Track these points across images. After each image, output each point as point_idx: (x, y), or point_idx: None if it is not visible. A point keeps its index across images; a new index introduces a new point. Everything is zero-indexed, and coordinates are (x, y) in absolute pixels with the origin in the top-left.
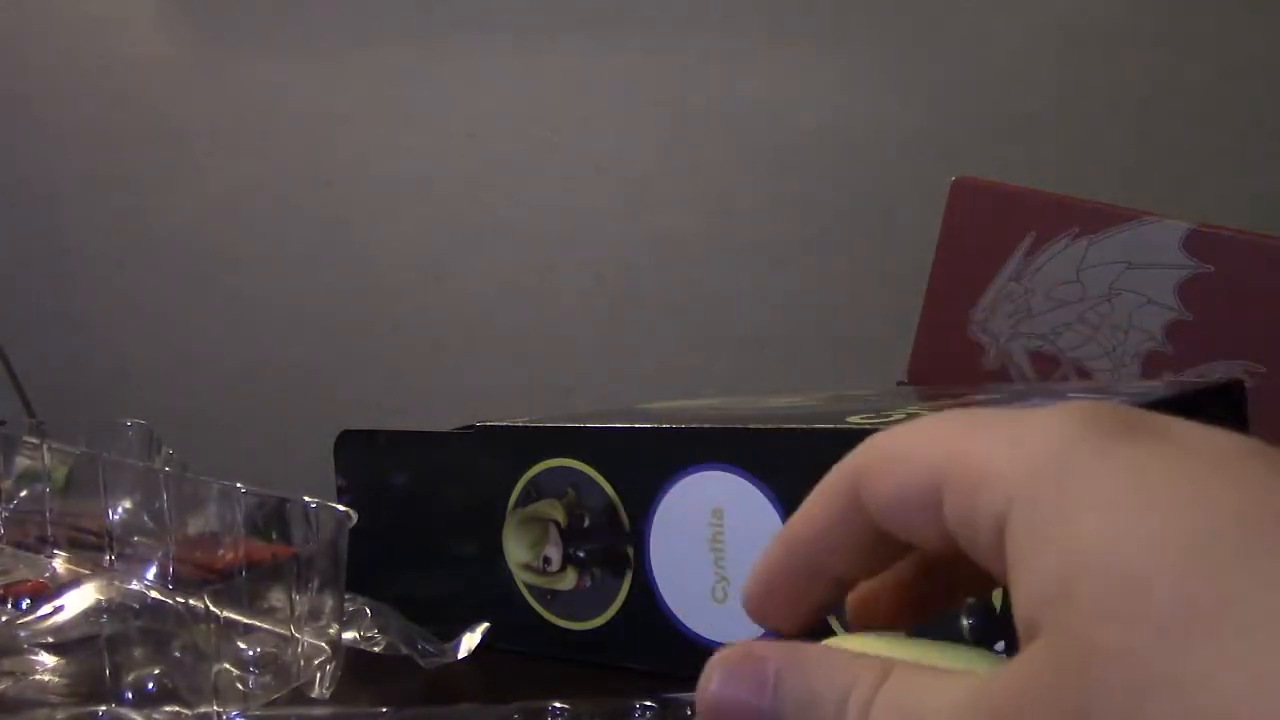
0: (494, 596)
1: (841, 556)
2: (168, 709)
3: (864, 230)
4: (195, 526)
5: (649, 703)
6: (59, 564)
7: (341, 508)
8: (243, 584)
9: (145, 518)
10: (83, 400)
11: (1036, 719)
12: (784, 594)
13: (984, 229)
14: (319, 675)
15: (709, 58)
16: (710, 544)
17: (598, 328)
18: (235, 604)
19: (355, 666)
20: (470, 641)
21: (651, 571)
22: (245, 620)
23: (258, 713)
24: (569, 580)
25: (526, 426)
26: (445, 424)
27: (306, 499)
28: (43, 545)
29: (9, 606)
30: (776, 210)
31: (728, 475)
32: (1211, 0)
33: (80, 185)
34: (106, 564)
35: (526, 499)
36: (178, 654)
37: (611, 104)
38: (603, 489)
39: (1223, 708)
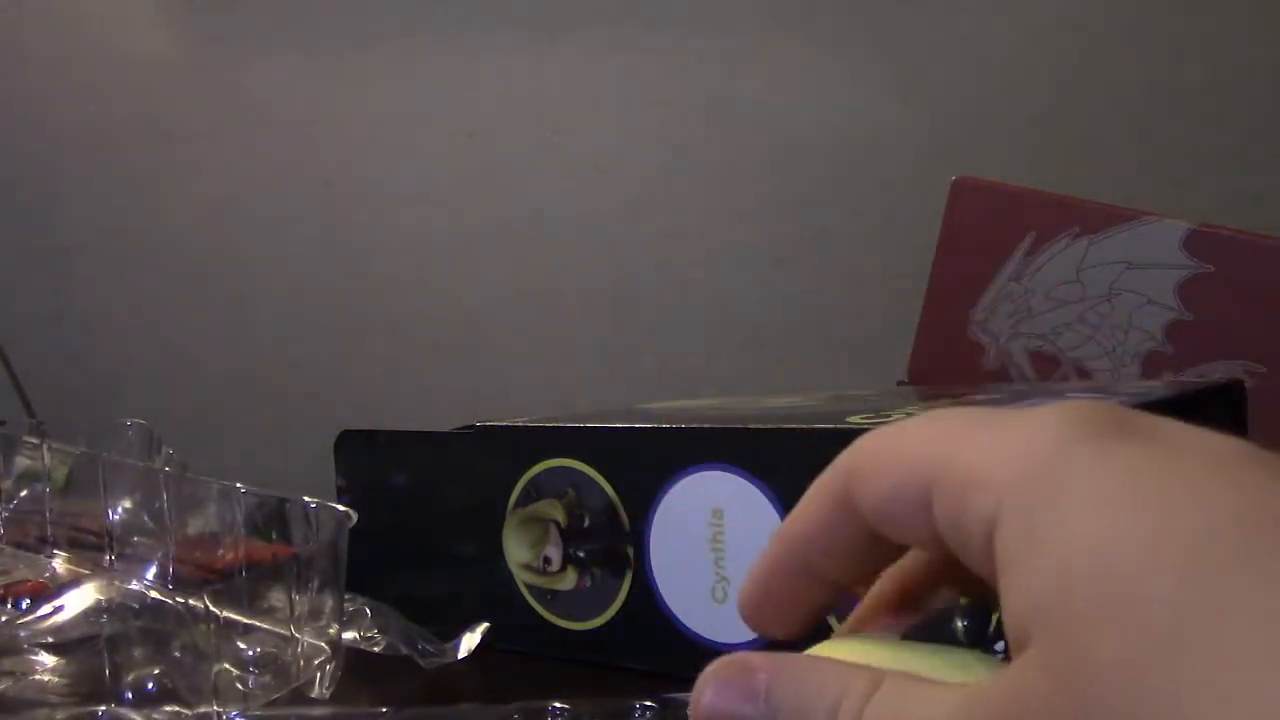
0: (494, 596)
1: (835, 559)
2: (168, 709)
3: (864, 230)
4: (195, 526)
5: (649, 703)
6: (59, 564)
7: (341, 508)
8: (243, 584)
9: (145, 518)
10: (83, 400)
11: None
12: (780, 598)
13: (984, 229)
14: (319, 675)
15: (709, 58)
16: (710, 544)
17: (598, 328)
18: (235, 604)
19: (355, 666)
20: (470, 641)
21: (651, 571)
22: (245, 620)
23: (258, 713)
24: (569, 580)
25: (526, 426)
26: (445, 424)
27: (306, 499)
28: (43, 545)
29: (9, 606)
30: (776, 210)
31: (728, 475)
32: (1211, 0)
33: (80, 185)
34: (106, 564)
35: (526, 499)
36: (178, 654)
37: (611, 104)
38: (603, 489)
39: None
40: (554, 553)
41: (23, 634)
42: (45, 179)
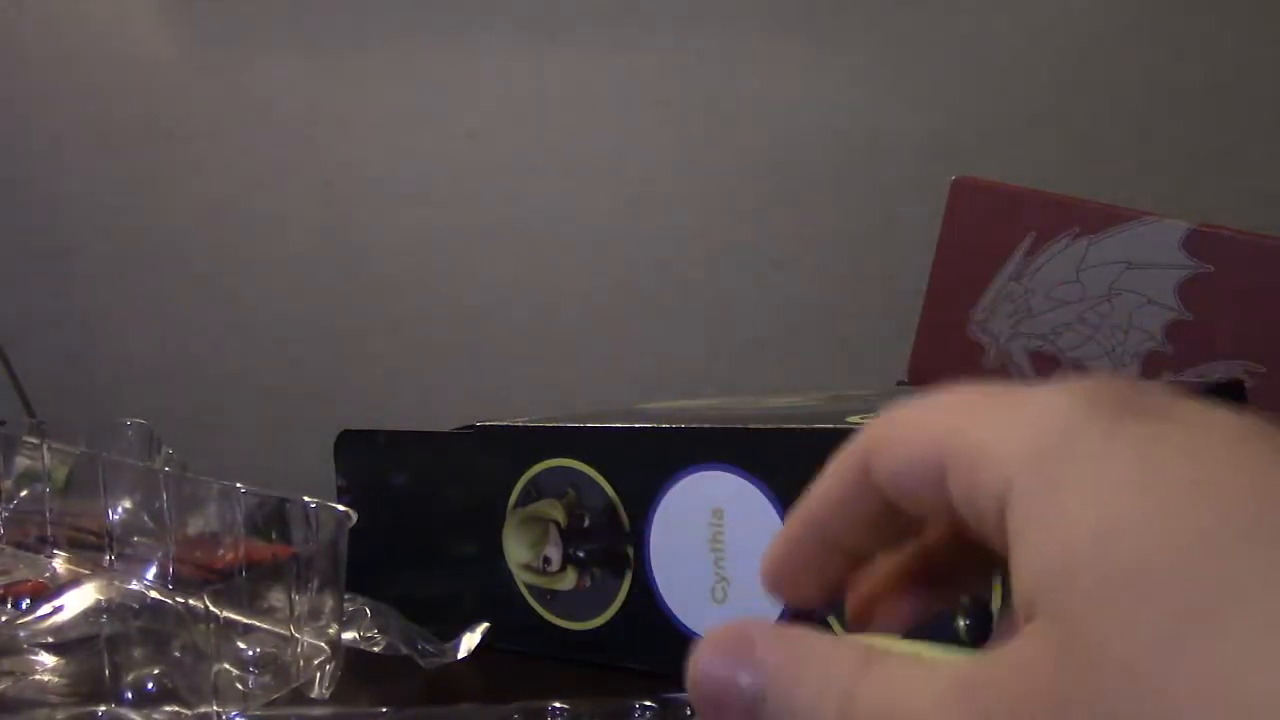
0: (494, 596)
1: (854, 530)
2: (167, 709)
3: (864, 230)
4: (195, 526)
5: (649, 703)
6: (59, 564)
7: (341, 508)
8: (243, 584)
9: (145, 518)
10: (83, 400)
11: (1025, 710)
12: (800, 567)
13: (984, 229)
14: (319, 675)
15: (709, 58)
16: (710, 544)
17: (598, 328)
18: (235, 604)
19: (355, 666)
20: (470, 641)
21: (651, 571)
22: (245, 620)
23: (257, 713)
24: (569, 580)
25: (526, 426)
26: (445, 424)
27: (306, 499)
28: (43, 545)
29: (9, 606)
30: (776, 210)
31: (728, 475)
32: (1211, 0)
33: (80, 185)
34: (106, 564)
35: (526, 499)
36: (178, 654)
37: (611, 104)
38: (603, 489)
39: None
40: (554, 553)
41: (23, 634)
42: (45, 179)
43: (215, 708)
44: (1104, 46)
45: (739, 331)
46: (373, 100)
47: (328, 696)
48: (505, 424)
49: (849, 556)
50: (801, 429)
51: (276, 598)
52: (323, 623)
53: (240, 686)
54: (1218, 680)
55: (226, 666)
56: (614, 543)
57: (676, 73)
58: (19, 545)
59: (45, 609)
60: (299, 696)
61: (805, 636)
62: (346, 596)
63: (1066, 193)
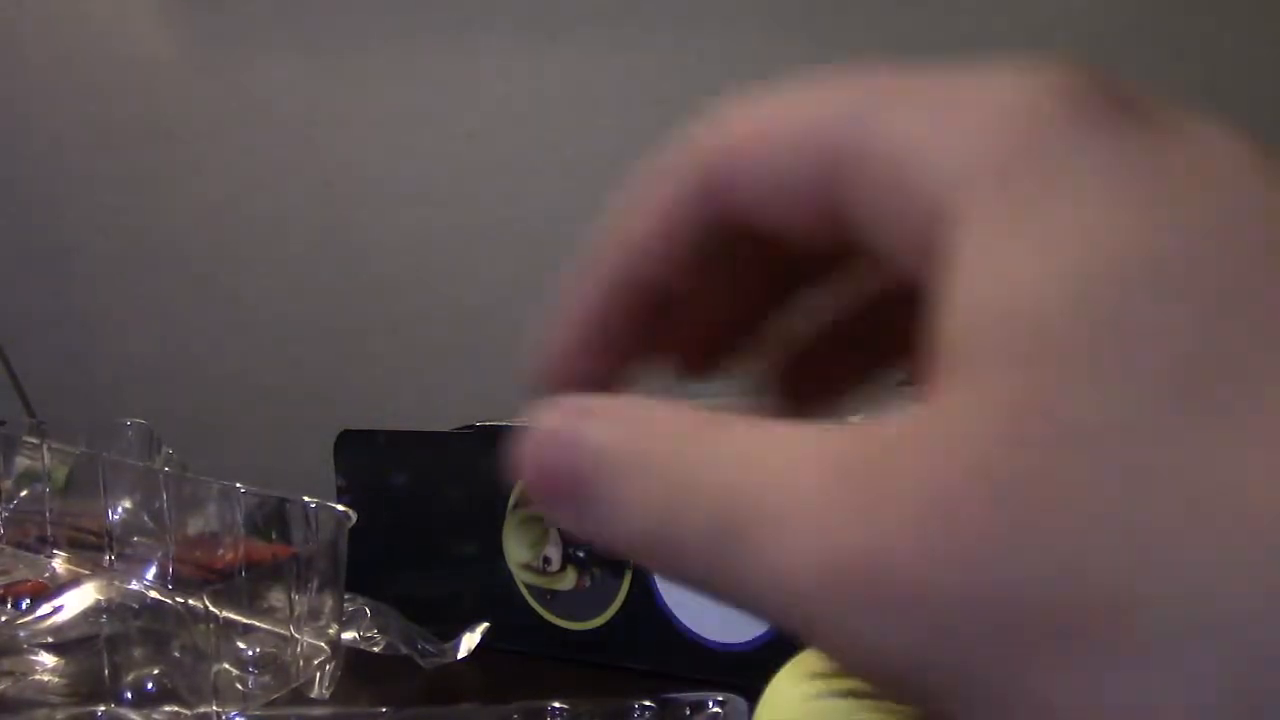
0: (494, 596)
1: (687, 275)
2: (167, 709)
3: None
4: (195, 526)
5: (649, 703)
6: (59, 564)
7: (341, 508)
8: (242, 584)
9: (145, 518)
10: (83, 400)
11: (947, 498)
12: (605, 343)
13: None
14: (318, 675)
15: (709, 58)
16: None
17: None
18: (235, 604)
19: (355, 666)
20: (470, 641)
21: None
22: (245, 620)
23: (257, 713)
24: (569, 580)
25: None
26: (445, 424)
27: (306, 499)
28: (43, 545)
29: (9, 606)
30: None
31: None
32: (1211, 0)
33: (80, 185)
34: (106, 564)
35: (526, 499)
36: (177, 654)
37: (611, 104)
38: None
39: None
40: (554, 553)
41: (23, 634)
42: (45, 179)
43: (215, 708)
44: (1104, 46)
45: None
46: (373, 100)
47: (328, 696)
48: (505, 424)
49: (682, 320)
50: None
51: (276, 598)
52: (322, 623)
53: (240, 686)
54: (1228, 444)
55: (226, 666)
56: None
57: (676, 73)
58: (19, 545)
59: (45, 609)
60: (299, 696)
61: (645, 403)
62: (346, 596)
63: None
